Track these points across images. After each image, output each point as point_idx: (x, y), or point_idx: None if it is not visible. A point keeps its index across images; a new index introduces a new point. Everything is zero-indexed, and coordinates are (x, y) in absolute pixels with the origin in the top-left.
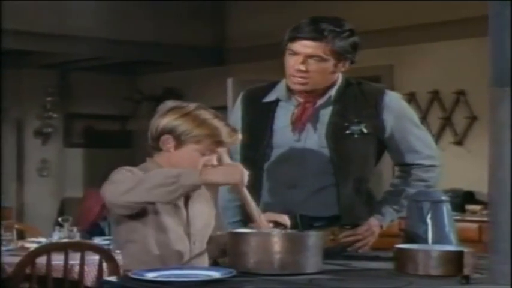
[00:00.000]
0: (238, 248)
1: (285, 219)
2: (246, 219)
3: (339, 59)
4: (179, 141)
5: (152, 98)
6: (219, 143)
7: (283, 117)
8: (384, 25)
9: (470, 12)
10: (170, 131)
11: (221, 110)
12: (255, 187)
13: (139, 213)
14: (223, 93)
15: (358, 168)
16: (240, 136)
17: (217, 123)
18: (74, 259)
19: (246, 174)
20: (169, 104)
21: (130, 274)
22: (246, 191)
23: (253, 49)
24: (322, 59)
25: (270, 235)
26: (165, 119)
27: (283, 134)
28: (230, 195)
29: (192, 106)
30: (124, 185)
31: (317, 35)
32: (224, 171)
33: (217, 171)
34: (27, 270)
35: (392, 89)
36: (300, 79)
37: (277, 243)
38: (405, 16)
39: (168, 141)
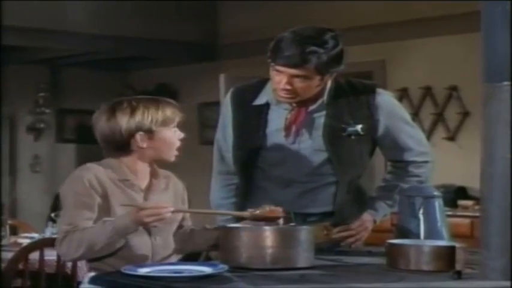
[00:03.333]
0: (231, 243)
1: (279, 211)
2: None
3: (324, 74)
4: (150, 133)
5: (144, 94)
6: (173, 119)
7: (276, 121)
8: (376, 21)
9: (462, 8)
10: (138, 129)
11: (214, 106)
12: (247, 186)
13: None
14: (215, 88)
15: (355, 168)
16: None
17: (160, 104)
18: None
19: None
20: (103, 107)
21: (122, 269)
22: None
23: (245, 44)
24: (307, 78)
25: (261, 230)
26: (122, 120)
27: (276, 137)
28: (224, 192)
29: (126, 102)
30: (74, 250)
31: (299, 61)
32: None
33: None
34: (20, 266)
35: (385, 84)
36: (286, 95)
37: (268, 238)
38: (398, 12)
39: (142, 138)
